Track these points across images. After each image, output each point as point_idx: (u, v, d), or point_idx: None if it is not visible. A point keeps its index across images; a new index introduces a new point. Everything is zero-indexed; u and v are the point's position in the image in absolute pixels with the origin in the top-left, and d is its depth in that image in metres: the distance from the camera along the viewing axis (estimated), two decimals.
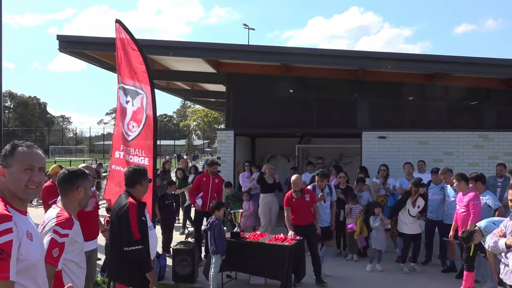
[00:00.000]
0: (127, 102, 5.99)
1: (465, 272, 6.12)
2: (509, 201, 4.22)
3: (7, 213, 2.07)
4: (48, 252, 2.56)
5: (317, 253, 6.78)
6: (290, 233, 6.67)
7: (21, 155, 2.22)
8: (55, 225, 2.72)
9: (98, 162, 17.50)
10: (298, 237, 6.53)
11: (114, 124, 6.56)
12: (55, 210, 2.89)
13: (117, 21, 6.04)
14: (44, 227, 2.76)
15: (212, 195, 8.18)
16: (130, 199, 3.96)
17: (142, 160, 5.76)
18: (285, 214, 6.95)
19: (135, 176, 4.06)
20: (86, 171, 3.14)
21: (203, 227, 8.15)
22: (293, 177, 7.07)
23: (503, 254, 4.25)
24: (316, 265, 6.71)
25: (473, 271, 6.11)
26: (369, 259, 7.66)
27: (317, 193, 7.43)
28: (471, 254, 6.02)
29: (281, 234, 6.74)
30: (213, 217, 6.34)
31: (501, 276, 4.30)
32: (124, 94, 6.04)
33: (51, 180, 5.42)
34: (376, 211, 7.72)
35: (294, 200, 6.86)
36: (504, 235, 4.23)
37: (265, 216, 8.98)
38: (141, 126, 5.79)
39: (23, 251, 2.06)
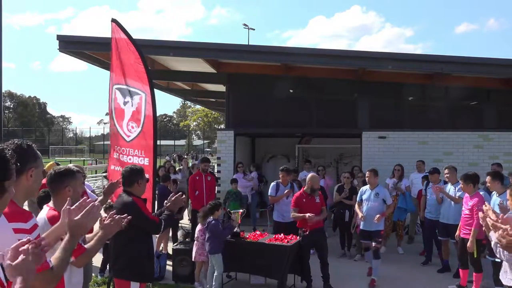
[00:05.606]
0: (125, 103, 5.92)
1: (474, 274, 6.20)
2: (509, 201, 4.22)
3: (28, 211, 2.20)
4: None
5: (326, 259, 6.50)
6: (309, 215, 6.22)
7: (39, 155, 2.34)
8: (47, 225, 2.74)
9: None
10: (297, 238, 6.51)
11: (110, 125, 6.45)
12: (46, 210, 2.94)
13: (113, 21, 5.88)
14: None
15: (207, 194, 8.25)
16: (134, 196, 4.09)
17: (142, 160, 5.72)
18: (292, 214, 6.64)
19: (132, 176, 4.15)
20: (74, 169, 3.17)
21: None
22: (311, 175, 6.69)
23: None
24: (325, 270, 6.48)
25: (481, 272, 6.18)
26: None
27: (281, 190, 7.50)
28: (475, 256, 6.05)
29: (281, 234, 6.72)
30: (211, 217, 6.33)
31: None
32: (122, 95, 5.97)
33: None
34: None
35: (304, 200, 6.51)
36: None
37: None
38: (140, 126, 5.75)
39: None
